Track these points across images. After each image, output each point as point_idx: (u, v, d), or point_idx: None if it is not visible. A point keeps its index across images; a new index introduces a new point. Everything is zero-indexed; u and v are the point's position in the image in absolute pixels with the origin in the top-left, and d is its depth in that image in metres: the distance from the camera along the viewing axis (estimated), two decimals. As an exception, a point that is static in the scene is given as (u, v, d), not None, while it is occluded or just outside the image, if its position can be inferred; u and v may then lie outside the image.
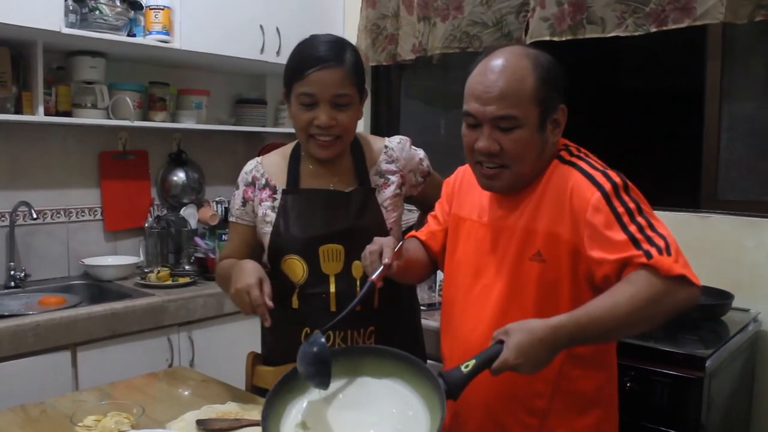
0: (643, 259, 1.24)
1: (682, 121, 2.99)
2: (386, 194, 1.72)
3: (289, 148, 1.79)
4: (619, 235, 1.28)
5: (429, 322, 1.93)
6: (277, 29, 3.14)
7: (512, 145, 1.36)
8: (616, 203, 1.30)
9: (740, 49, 2.52)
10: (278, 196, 1.71)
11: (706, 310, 2.16)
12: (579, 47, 2.60)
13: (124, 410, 1.49)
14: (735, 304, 2.26)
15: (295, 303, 1.70)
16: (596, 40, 2.58)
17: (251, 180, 1.76)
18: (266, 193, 1.73)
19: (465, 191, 1.60)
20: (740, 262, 2.39)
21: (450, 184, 1.67)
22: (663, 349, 1.87)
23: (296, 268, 1.68)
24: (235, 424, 1.48)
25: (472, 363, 1.23)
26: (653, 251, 1.24)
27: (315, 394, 1.34)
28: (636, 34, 2.47)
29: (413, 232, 1.73)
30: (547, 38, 2.63)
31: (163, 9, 2.76)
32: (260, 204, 1.73)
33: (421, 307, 2.00)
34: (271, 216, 1.71)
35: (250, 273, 1.55)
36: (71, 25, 2.54)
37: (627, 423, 1.55)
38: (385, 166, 1.74)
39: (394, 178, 1.74)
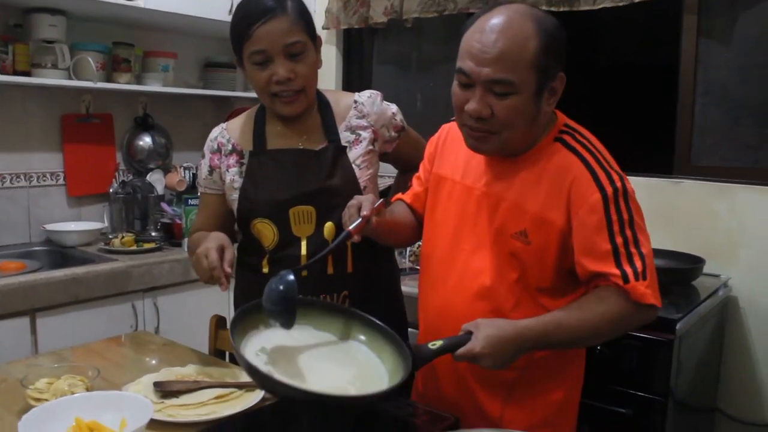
0: (620, 281, 1.27)
1: (658, 90, 2.98)
2: (358, 151, 1.65)
3: (253, 110, 1.72)
4: (604, 244, 1.27)
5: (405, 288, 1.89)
6: (246, -11, 3.04)
7: (504, 111, 1.27)
8: (612, 210, 1.28)
9: (715, 15, 2.49)
10: (245, 160, 1.65)
11: (677, 274, 2.15)
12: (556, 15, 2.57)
13: (78, 373, 1.45)
14: (706, 269, 2.26)
15: (265, 268, 1.65)
16: (572, 16, 2.56)
17: (217, 147, 1.70)
18: (233, 158, 1.67)
19: (448, 149, 1.53)
20: (712, 227, 2.38)
21: (433, 143, 1.59)
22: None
23: (266, 231, 1.62)
24: (194, 386, 1.44)
25: (439, 343, 1.25)
26: (630, 274, 1.26)
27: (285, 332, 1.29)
28: (620, 4, 2.47)
29: (399, 195, 1.67)
30: (544, 7, 2.58)
31: (126, -35, 2.66)
32: (227, 170, 1.67)
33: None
34: (239, 181, 1.65)
35: (211, 239, 1.50)
36: (27, -21, 2.43)
37: (597, 386, 1.54)
38: (355, 122, 1.66)
39: (365, 134, 1.66)
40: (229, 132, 1.71)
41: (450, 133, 1.55)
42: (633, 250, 1.28)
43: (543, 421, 1.41)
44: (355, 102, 1.69)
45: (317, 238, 1.60)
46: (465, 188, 1.45)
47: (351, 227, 1.33)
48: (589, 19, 2.59)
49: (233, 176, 1.66)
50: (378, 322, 1.32)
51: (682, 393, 1.95)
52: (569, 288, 1.37)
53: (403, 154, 1.75)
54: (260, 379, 1.13)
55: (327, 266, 1.59)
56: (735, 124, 2.52)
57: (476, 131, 1.32)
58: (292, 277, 1.29)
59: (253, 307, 1.28)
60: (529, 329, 1.26)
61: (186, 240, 2.79)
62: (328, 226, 1.59)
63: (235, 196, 1.65)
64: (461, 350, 1.23)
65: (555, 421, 1.43)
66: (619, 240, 1.28)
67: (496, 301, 1.38)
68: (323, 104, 1.68)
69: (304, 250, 1.60)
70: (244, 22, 1.54)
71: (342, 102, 1.69)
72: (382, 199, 1.41)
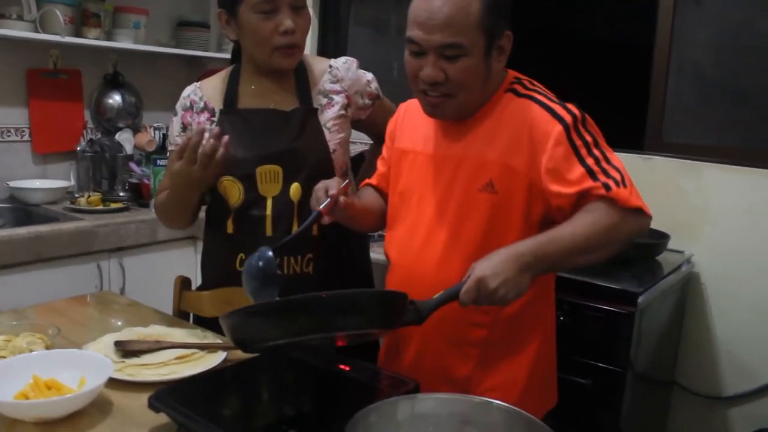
0: (602, 191, 1.26)
1: (632, 67, 2.99)
2: (329, 114, 1.64)
3: (228, 71, 1.71)
4: (577, 169, 1.29)
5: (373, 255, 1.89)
6: (222, -53, 2.97)
7: (458, 73, 1.31)
8: (575, 136, 1.30)
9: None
10: (216, 118, 1.64)
11: (641, 248, 2.18)
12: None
13: (38, 331, 1.43)
14: (671, 245, 2.29)
15: (229, 227, 1.63)
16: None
17: (189, 104, 1.69)
18: (204, 116, 1.66)
19: (408, 125, 1.56)
20: (679, 204, 2.41)
21: (393, 122, 1.62)
22: (596, 284, 1.88)
23: (232, 190, 1.61)
24: (155, 346, 1.43)
25: (440, 293, 1.23)
26: (611, 183, 1.27)
27: None
28: None
29: (366, 180, 1.68)
30: None
31: None
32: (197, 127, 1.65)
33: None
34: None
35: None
36: (-8, -75, 2.34)
37: (559, 357, 1.55)
38: (329, 86, 1.66)
39: (338, 98, 1.66)
40: (202, 90, 1.69)
41: (408, 109, 1.59)
42: (606, 165, 1.30)
43: (512, 381, 1.42)
44: (330, 67, 1.69)
45: (283, 198, 1.59)
46: (426, 157, 1.47)
47: (321, 207, 1.34)
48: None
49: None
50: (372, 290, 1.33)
51: (642, 366, 1.98)
52: None
53: (377, 123, 1.74)
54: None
55: (292, 228, 1.59)
56: (706, 103, 2.54)
57: (433, 97, 1.35)
58: (270, 253, 1.30)
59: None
60: (521, 245, 1.24)
61: (153, 201, 2.76)
62: (295, 186, 1.58)
63: None
64: (466, 286, 1.20)
65: (534, 373, 1.44)
66: (590, 161, 1.30)
67: (462, 259, 1.37)
68: (299, 67, 1.66)
69: (269, 210, 1.59)
70: None
71: (317, 66, 1.69)
72: (347, 180, 1.42)
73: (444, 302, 1.23)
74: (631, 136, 2.64)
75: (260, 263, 1.30)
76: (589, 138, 1.32)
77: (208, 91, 1.69)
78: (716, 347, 2.37)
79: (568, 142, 1.30)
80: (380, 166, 1.65)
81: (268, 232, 1.59)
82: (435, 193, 1.44)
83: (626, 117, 2.92)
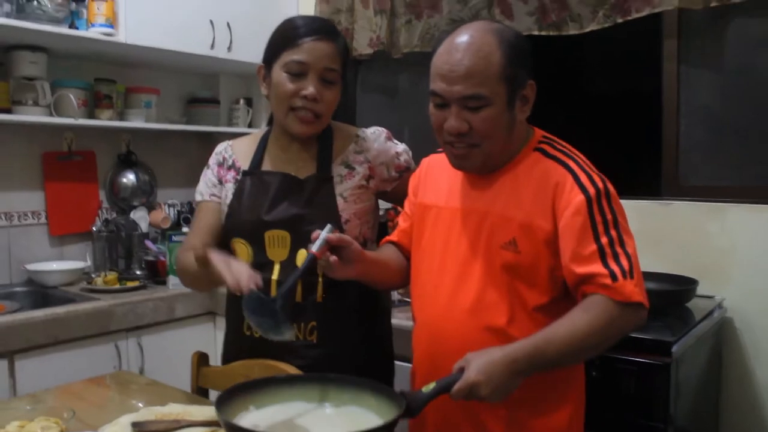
0: (608, 281, 1.27)
1: (642, 115, 2.99)
2: (348, 185, 1.64)
3: (260, 133, 1.75)
4: (590, 245, 1.29)
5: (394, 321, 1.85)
6: (228, 24, 3.04)
7: (481, 124, 1.32)
8: (596, 210, 1.30)
9: (694, 37, 2.51)
10: (240, 177, 1.68)
11: (670, 296, 2.11)
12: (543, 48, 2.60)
13: (53, 415, 1.39)
14: (699, 290, 2.21)
15: None
16: (557, 46, 2.58)
17: (222, 160, 1.74)
18: (231, 174, 1.70)
19: (430, 179, 1.56)
20: (704, 248, 2.35)
21: (416, 176, 1.62)
22: (628, 335, 1.81)
23: (242, 252, 1.63)
24: (174, 425, 1.38)
25: (432, 385, 1.23)
26: (617, 272, 1.27)
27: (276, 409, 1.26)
28: (605, 26, 2.51)
29: (387, 237, 1.67)
30: (535, 33, 2.61)
31: (106, 1, 2.64)
32: (225, 185, 1.70)
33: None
34: (230, 198, 1.66)
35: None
36: (6, 15, 2.41)
37: (593, 414, 1.49)
38: (352, 156, 1.66)
39: (360, 169, 1.66)
40: (233, 148, 1.74)
41: (430, 164, 1.59)
42: (618, 249, 1.29)
43: None
44: (357, 136, 1.69)
45: (290, 263, 1.58)
46: (449, 211, 1.46)
47: (314, 249, 1.34)
48: (574, 49, 2.63)
49: (228, 191, 1.68)
50: (362, 379, 1.28)
51: (683, 419, 1.89)
52: (566, 304, 1.34)
53: (401, 196, 1.70)
54: None
55: (296, 295, 1.57)
56: (719, 144, 2.51)
57: (459, 149, 1.36)
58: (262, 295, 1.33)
59: (240, 387, 1.25)
60: (518, 348, 1.25)
61: (170, 277, 2.74)
62: (301, 253, 1.57)
63: (225, 211, 1.67)
64: (457, 385, 1.21)
65: None
66: (604, 240, 1.29)
67: (488, 316, 1.36)
68: (326, 135, 1.67)
69: (275, 275, 1.58)
70: (296, 31, 1.57)
71: (344, 135, 1.70)
72: (337, 229, 1.41)
73: (435, 396, 1.22)
74: (647, 183, 2.61)
75: (258, 300, 1.33)
76: (609, 216, 1.31)
77: (239, 150, 1.73)
78: (760, 395, 2.26)
79: (588, 214, 1.30)
80: (402, 222, 1.63)
81: (273, 295, 1.57)
82: (459, 249, 1.42)
83: (640, 164, 2.90)
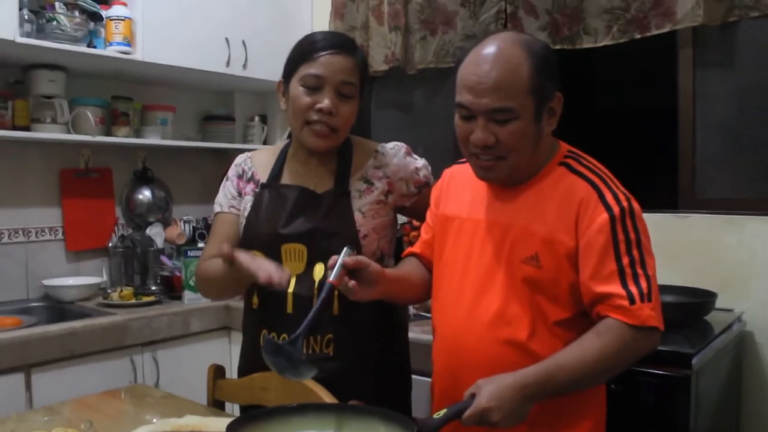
0: (625, 302, 1.25)
1: (657, 129, 2.99)
2: (366, 200, 1.63)
3: (280, 146, 1.76)
4: (610, 264, 1.27)
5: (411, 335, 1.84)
6: (243, 42, 3.07)
7: (508, 137, 1.30)
8: (619, 229, 1.28)
9: (710, 46, 2.50)
10: (258, 189, 1.68)
11: (689, 308, 2.09)
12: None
13: (70, 426, 1.39)
14: (718, 304, 2.19)
15: (254, 302, 1.64)
16: (570, 59, 2.59)
17: (241, 172, 1.74)
18: (250, 186, 1.70)
19: (453, 190, 1.54)
20: (722, 261, 2.33)
21: (437, 188, 1.61)
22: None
23: None
24: (191, 436, 1.37)
25: (443, 411, 1.22)
26: (635, 294, 1.26)
27: None
28: (621, 41, 2.50)
29: (409, 249, 1.66)
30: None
31: (124, 20, 2.68)
32: (243, 197, 1.70)
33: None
34: (249, 210, 1.67)
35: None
36: (26, 35, 2.44)
37: (612, 428, 1.46)
38: (371, 171, 1.66)
39: (379, 184, 1.65)
40: (252, 161, 1.75)
41: (453, 175, 1.57)
42: (639, 270, 1.28)
43: None
44: (376, 152, 1.69)
45: (306, 277, 1.58)
46: (472, 223, 1.44)
47: (331, 278, 1.32)
48: (587, 65, 2.63)
49: (246, 204, 1.68)
50: (373, 408, 1.26)
51: (703, 433, 1.87)
52: (587, 320, 1.33)
53: (420, 210, 1.70)
54: None
55: (311, 308, 1.56)
56: (736, 156, 2.50)
57: (485, 161, 1.34)
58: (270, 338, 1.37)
59: (250, 417, 1.24)
60: (528, 374, 1.24)
61: (186, 293, 2.75)
62: (318, 267, 1.57)
63: (243, 223, 1.67)
64: (468, 411, 1.20)
65: None
66: (625, 260, 1.27)
67: (509, 329, 1.35)
68: (346, 150, 1.67)
69: (291, 288, 1.58)
70: (313, 45, 1.58)
71: (364, 150, 1.69)
72: (354, 250, 1.40)
73: (446, 422, 1.21)
74: (664, 196, 2.59)
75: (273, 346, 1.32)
76: (632, 235, 1.29)
77: (258, 162, 1.73)
78: (781, 410, 2.23)
79: (611, 233, 1.28)
80: (424, 233, 1.62)
81: (289, 309, 1.58)
82: (481, 261, 1.41)
83: (656, 178, 2.89)
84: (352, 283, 1.33)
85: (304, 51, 1.59)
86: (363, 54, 1.66)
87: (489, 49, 1.30)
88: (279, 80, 1.66)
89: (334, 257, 1.34)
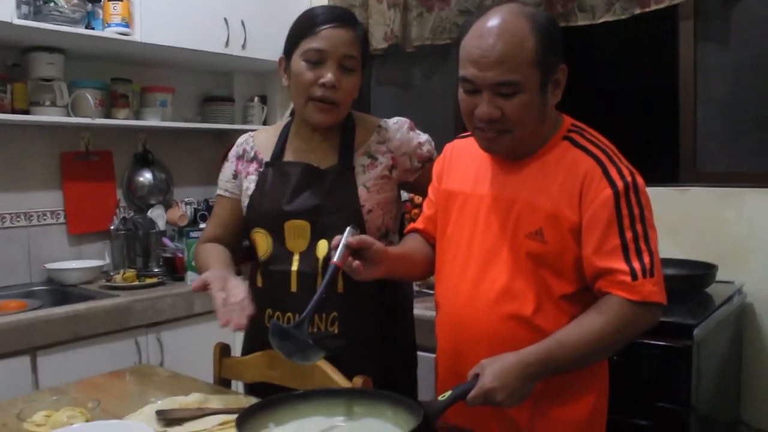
0: (627, 278, 1.26)
1: (659, 104, 2.98)
2: (370, 175, 1.62)
3: (281, 124, 1.75)
4: (613, 239, 1.27)
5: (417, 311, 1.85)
6: (242, 22, 3.06)
7: (514, 110, 1.28)
8: (623, 204, 1.28)
9: (711, 18, 2.49)
10: (262, 168, 1.68)
11: (690, 281, 2.11)
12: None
13: (78, 405, 1.40)
14: (718, 276, 2.20)
15: (259, 281, 1.65)
16: (568, 38, 2.59)
17: (241, 153, 1.74)
18: (253, 166, 1.70)
19: (456, 165, 1.53)
20: (722, 234, 2.34)
21: (439, 162, 1.59)
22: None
23: (261, 242, 1.63)
24: (198, 413, 1.39)
25: (449, 393, 1.22)
26: (638, 270, 1.26)
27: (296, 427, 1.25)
28: (621, 17, 2.49)
29: (411, 225, 1.64)
30: None
31: (122, 1, 2.66)
32: (246, 177, 1.70)
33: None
34: (252, 189, 1.66)
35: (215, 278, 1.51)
36: (24, 17, 2.43)
37: (615, 399, 1.48)
38: (375, 147, 1.65)
39: (383, 159, 1.64)
40: (254, 140, 1.74)
41: (455, 150, 1.56)
42: (642, 245, 1.27)
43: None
44: (379, 127, 1.68)
45: (310, 254, 1.58)
46: (476, 198, 1.44)
47: (335, 259, 1.31)
48: (584, 44, 2.62)
49: (249, 183, 1.68)
50: (379, 391, 1.27)
51: (704, 405, 1.88)
52: (592, 294, 1.33)
53: (424, 186, 1.69)
54: None
55: (317, 285, 1.56)
56: (737, 130, 2.50)
57: (489, 132, 1.32)
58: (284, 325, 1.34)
59: (258, 406, 1.24)
60: (531, 353, 1.25)
61: (189, 274, 2.76)
62: (321, 243, 1.57)
63: (246, 202, 1.67)
64: (473, 392, 1.20)
65: (586, 431, 1.39)
66: (629, 235, 1.27)
67: (515, 304, 1.35)
68: (347, 126, 1.67)
69: (295, 266, 1.58)
70: (313, 20, 1.57)
71: (366, 126, 1.69)
72: (358, 230, 1.39)
73: (451, 404, 1.21)
74: (666, 169, 2.59)
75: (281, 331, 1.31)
76: (636, 210, 1.28)
77: (260, 141, 1.73)
78: (781, 381, 2.25)
79: (615, 208, 1.28)
80: (426, 208, 1.61)
81: (293, 287, 1.58)
82: (486, 236, 1.40)
83: (658, 153, 2.89)
84: (356, 263, 1.33)
85: (304, 25, 1.58)
86: (364, 27, 1.66)
87: (493, 21, 1.28)
88: (280, 56, 1.65)
89: (337, 237, 1.34)
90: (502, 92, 1.28)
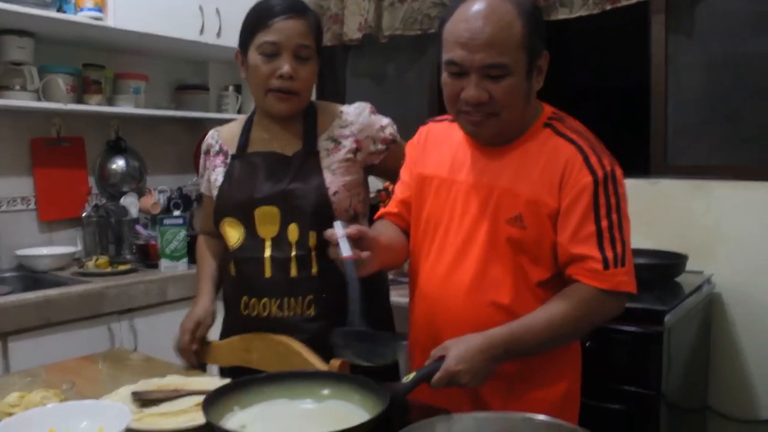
0: (599, 266, 1.28)
1: (630, 104, 3.02)
2: (335, 158, 1.63)
3: (244, 117, 1.77)
4: (589, 226, 1.29)
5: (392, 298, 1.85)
6: (217, 10, 3.04)
7: (502, 93, 1.29)
8: (601, 193, 1.30)
9: (681, 13, 2.53)
10: (229, 161, 1.69)
11: (660, 269, 2.15)
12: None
13: (52, 387, 1.39)
14: (688, 267, 2.25)
15: (232, 270, 1.65)
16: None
17: (207, 148, 1.77)
18: (219, 159, 1.72)
19: (431, 149, 1.52)
20: (691, 225, 2.39)
21: (414, 145, 1.58)
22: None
23: (232, 231, 1.64)
24: (173, 394, 1.38)
25: (412, 375, 1.22)
26: (610, 258, 1.28)
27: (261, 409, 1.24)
28: (594, 12, 2.54)
29: (382, 210, 1.63)
30: None
31: (94, -16, 2.63)
32: (213, 170, 1.71)
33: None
34: (220, 181, 1.68)
35: (194, 312, 1.71)
36: (-7, -1, 2.39)
37: (587, 383, 1.51)
38: (338, 131, 1.66)
39: (346, 143, 1.65)
40: (219, 134, 1.76)
41: (430, 133, 1.55)
42: (617, 234, 1.30)
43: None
44: (341, 111, 1.70)
45: (281, 239, 1.59)
46: (454, 183, 1.43)
47: (345, 254, 1.28)
48: (558, 43, 2.65)
49: (217, 176, 1.70)
50: (346, 374, 1.28)
51: (674, 391, 1.92)
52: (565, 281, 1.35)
53: (389, 167, 1.70)
54: None
55: (291, 269, 1.58)
56: (707, 124, 2.54)
57: (475, 115, 1.33)
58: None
59: (225, 389, 1.23)
60: (496, 335, 1.26)
61: (162, 261, 2.74)
62: (292, 227, 1.58)
63: (216, 193, 1.68)
64: (437, 375, 1.21)
65: (559, 414, 1.40)
66: (604, 223, 1.29)
67: (491, 291, 1.36)
68: (310, 114, 1.68)
69: (268, 252, 1.59)
70: (265, 12, 1.58)
71: (327, 112, 1.70)
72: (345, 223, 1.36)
73: (416, 386, 1.21)
74: (638, 162, 2.63)
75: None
76: (613, 200, 1.31)
77: (225, 135, 1.75)
78: (747, 369, 2.31)
79: (593, 196, 1.30)
80: (399, 192, 1.59)
81: (267, 273, 1.59)
82: (463, 221, 1.41)
83: (630, 148, 2.93)
84: (365, 253, 1.30)
85: (257, 19, 1.59)
86: (316, 14, 1.66)
87: (479, 5, 1.29)
88: (236, 50, 1.66)
89: (330, 231, 1.32)
90: (491, 74, 1.28)
